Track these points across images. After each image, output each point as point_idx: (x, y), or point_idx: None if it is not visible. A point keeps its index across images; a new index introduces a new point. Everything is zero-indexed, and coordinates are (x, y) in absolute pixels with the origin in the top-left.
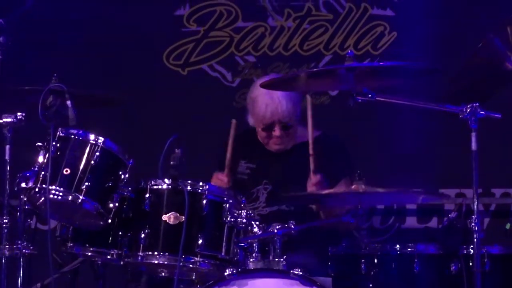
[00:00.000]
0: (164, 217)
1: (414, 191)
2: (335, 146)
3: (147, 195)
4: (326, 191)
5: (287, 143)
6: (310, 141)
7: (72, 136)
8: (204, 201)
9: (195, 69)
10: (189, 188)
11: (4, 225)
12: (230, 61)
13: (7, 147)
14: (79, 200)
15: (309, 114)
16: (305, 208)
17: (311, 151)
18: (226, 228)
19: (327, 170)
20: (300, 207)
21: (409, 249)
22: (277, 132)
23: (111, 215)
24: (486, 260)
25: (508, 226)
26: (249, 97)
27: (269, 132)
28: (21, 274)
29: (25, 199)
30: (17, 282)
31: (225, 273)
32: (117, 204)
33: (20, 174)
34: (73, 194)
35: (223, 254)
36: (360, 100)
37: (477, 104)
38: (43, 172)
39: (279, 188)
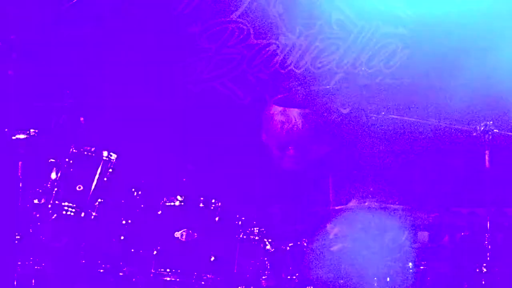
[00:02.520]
0: (177, 234)
1: (426, 209)
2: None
3: (159, 212)
4: (339, 206)
5: (300, 163)
6: None
7: (85, 153)
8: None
9: (207, 87)
10: (201, 205)
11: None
12: (241, 78)
13: (20, 163)
14: (92, 217)
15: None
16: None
17: None
18: (238, 245)
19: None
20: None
21: (422, 268)
22: (291, 152)
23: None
24: (498, 278)
25: None
26: (264, 114)
27: (283, 152)
28: None
29: (38, 215)
30: None
31: None
32: (129, 221)
33: (33, 191)
34: (86, 211)
35: (235, 271)
36: (372, 117)
37: (491, 122)
38: (56, 189)
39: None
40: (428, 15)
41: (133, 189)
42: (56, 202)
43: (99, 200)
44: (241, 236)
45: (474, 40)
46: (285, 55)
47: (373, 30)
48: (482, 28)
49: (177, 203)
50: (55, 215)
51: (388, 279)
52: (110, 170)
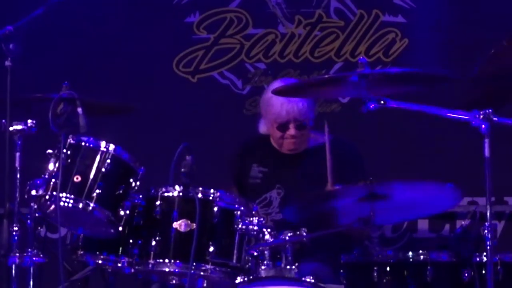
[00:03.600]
0: (175, 225)
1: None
2: (348, 151)
3: (158, 203)
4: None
5: (300, 145)
6: (329, 163)
7: (83, 144)
8: (215, 209)
9: (205, 77)
10: (200, 195)
11: (14, 233)
12: (240, 68)
13: (18, 154)
14: (90, 208)
15: (326, 139)
16: (319, 215)
17: (329, 164)
18: (237, 235)
19: (340, 175)
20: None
21: (422, 257)
22: (292, 131)
23: (122, 223)
24: (499, 268)
25: None
26: (262, 100)
27: (283, 133)
28: (31, 283)
29: (36, 207)
30: None
31: (237, 281)
32: (128, 212)
33: (31, 182)
34: (84, 202)
35: (234, 261)
36: (372, 107)
37: (490, 110)
38: (53, 180)
39: (291, 193)
40: (427, 4)
41: (131, 180)
42: (54, 193)
43: (97, 191)
44: (239, 226)
45: None
46: (284, 44)
47: (373, 19)
48: None
49: (175, 193)
50: (53, 206)
51: (388, 268)
52: (108, 161)
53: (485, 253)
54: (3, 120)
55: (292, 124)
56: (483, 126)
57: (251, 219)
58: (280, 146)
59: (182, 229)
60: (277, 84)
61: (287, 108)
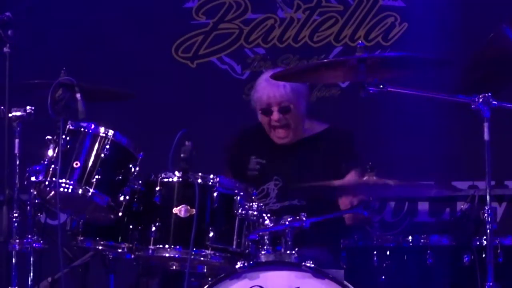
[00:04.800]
0: (175, 210)
1: (426, 184)
2: (342, 139)
3: (157, 188)
4: (338, 182)
5: (293, 134)
6: None
7: (82, 130)
8: (215, 194)
9: (204, 62)
10: (199, 180)
11: (14, 220)
12: (239, 53)
13: (17, 141)
14: (89, 194)
15: None
16: (317, 202)
17: None
18: (237, 221)
19: (335, 163)
20: (312, 201)
21: (422, 241)
22: (275, 115)
23: (122, 209)
24: (499, 251)
25: None
26: (253, 90)
27: (268, 117)
28: (31, 269)
29: (35, 193)
30: (28, 277)
31: (237, 266)
32: (127, 198)
33: (30, 168)
34: (83, 188)
35: (234, 247)
36: (371, 91)
37: (489, 94)
38: (53, 166)
39: (289, 184)
40: None
41: (130, 165)
42: (54, 179)
43: (97, 176)
44: (239, 211)
45: None
46: (283, 29)
47: (372, 3)
48: None
49: (175, 178)
50: (52, 192)
51: (388, 252)
52: (107, 146)
53: (485, 237)
54: (2, 107)
55: (275, 107)
56: (483, 110)
57: (251, 204)
58: (272, 135)
59: (182, 214)
60: (268, 74)
61: (268, 92)
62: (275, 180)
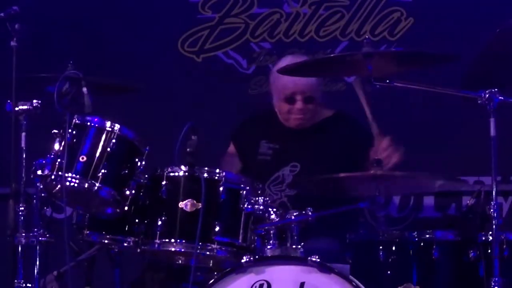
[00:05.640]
0: (181, 204)
1: (432, 176)
2: (353, 121)
3: (163, 183)
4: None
5: (308, 119)
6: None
7: (88, 123)
8: (221, 188)
9: (210, 56)
10: (205, 175)
11: (20, 213)
12: (245, 48)
13: (23, 134)
14: (95, 188)
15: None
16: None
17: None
18: (243, 215)
19: (353, 143)
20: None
21: (427, 236)
22: (299, 104)
23: (128, 203)
24: (505, 246)
25: None
26: (272, 73)
27: (291, 105)
28: (37, 262)
29: (41, 186)
30: (34, 270)
31: (242, 261)
32: (133, 192)
33: (36, 162)
34: (89, 182)
35: (240, 241)
36: (378, 86)
37: (496, 89)
38: (59, 160)
39: (309, 168)
40: None
41: (136, 159)
42: (60, 173)
43: (103, 171)
44: (245, 205)
45: None
46: (289, 24)
47: None
48: None
49: (181, 173)
50: (58, 186)
51: (393, 247)
52: (114, 140)
53: (490, 232)
54: (9, 101)
55: (299, 96)
56: (489, 105)
57: (257, 198)
58: (286, 120)
59: (188, 208)
60: (287, 60)
61: (294, 79)
62: (291, 166)
